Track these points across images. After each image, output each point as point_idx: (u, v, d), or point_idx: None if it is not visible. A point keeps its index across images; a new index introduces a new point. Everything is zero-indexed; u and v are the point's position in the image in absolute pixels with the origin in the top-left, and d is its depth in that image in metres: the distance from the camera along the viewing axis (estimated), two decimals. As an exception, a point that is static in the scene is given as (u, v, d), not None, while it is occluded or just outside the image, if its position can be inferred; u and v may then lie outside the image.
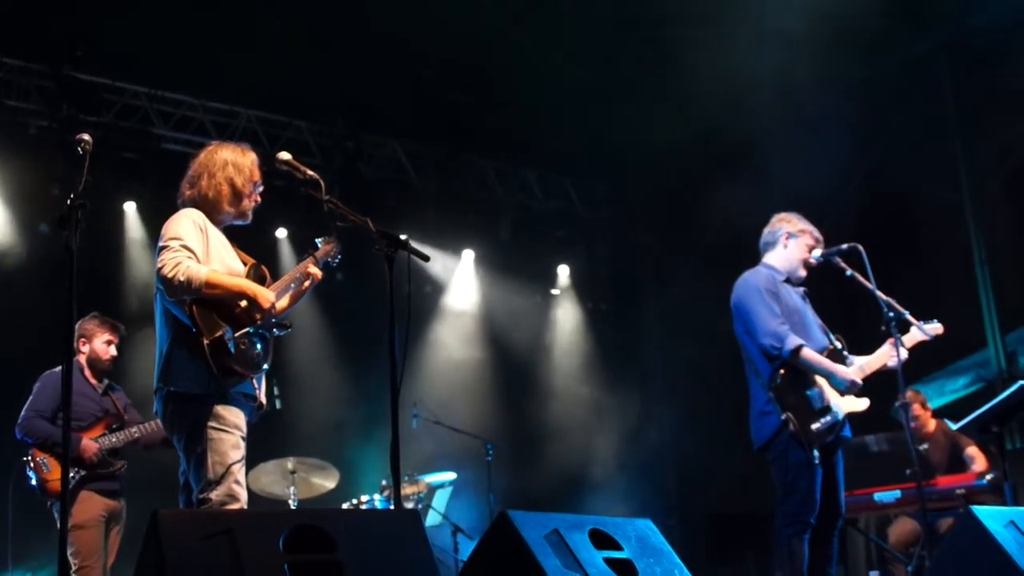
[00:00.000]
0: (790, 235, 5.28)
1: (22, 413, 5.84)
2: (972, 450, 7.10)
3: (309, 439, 8.90)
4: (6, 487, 5.87)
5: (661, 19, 8.79)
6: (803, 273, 5.32)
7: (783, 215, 5.39)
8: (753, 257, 5.46)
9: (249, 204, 4.38)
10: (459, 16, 8.42)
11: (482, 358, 10.67)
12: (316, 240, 4.57)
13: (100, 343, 6.08)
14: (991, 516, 4.09)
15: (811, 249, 5.29)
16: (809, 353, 4.97)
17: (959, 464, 7.13)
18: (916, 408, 7.29)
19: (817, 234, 5.33)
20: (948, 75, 8.93)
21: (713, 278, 6.59)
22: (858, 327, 6.01)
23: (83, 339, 6.08)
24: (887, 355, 5.13)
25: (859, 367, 5.13)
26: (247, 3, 7.96)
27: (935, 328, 5.22)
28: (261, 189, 4.42)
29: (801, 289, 5.35)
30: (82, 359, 6.08)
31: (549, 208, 11.28)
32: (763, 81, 8.81)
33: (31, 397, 5.90)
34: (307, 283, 4.40)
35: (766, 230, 5.39)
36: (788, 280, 5.28)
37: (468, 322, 10.80)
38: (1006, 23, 7.99)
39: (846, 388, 4.99)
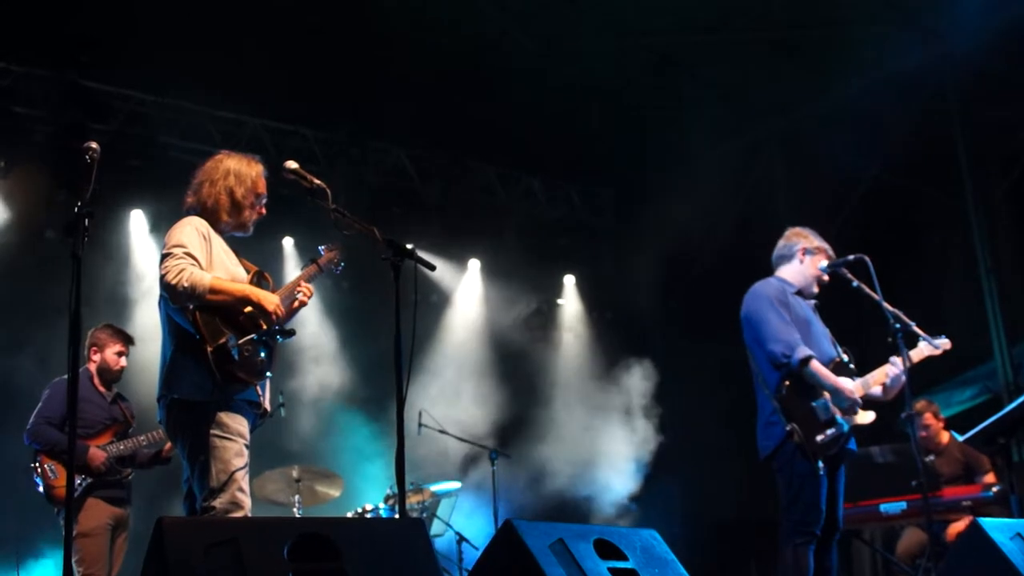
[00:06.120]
0: (807, 251, 5.31)
1: (31, 419, 5.85)
2: (991, 478, 6.93)
3: (314, 447, 8.90)
4: (13, 493, 5.87)
5: (666, 26, 8.81)
6: (816, 289, 5.35)
7: (798, 230, 5.40)
8: (760, 265, 5.46)
9: (251, 216, 4.35)
10: (464, 22, 8.44)
11: (487, 367, 10.64)
12: (320, 248, 4.57)
13: (111, 353, 6.10)
14: (998, 528, 4.07)
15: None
16: (817, 366, 4.97)
17: (972, 480, 7.03)
18: (928, 418, 7.20)
19: (831, 252, 5.36)
20: (952, 82, 8.92)
21: (719, 287, 6.59)
22: (865, 338, 5.99)
23: (95, 348, 6.10)
24: (890, 370, 5.15)
25: (863, 382, 5.14)
26: (252, 11, 7.98)
27: (943, 343, 5.24)
28: (266, 201, 4.38)
29: (812, 301, 5.36)
30: (92, 367, 6.09)
31: (554, 216, 11.28)
32: (765, 85, 8.83)
33: (40, 404, 5.90)
34: (296, 304, 4.35)
35: (780, 243, 5.40)
36: (800, 293, 5.30)
37: (473, 331, 10.78)
38: (1010, 29, 7.98)
39: (847, 406, 4.99)
